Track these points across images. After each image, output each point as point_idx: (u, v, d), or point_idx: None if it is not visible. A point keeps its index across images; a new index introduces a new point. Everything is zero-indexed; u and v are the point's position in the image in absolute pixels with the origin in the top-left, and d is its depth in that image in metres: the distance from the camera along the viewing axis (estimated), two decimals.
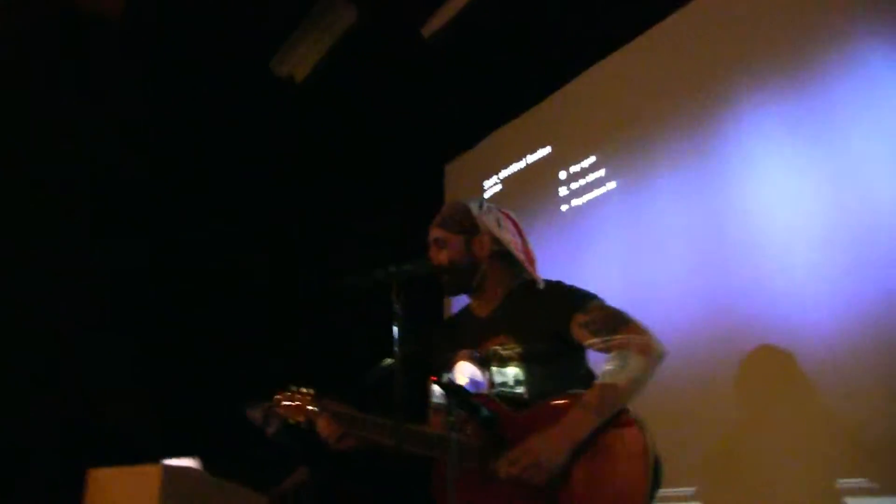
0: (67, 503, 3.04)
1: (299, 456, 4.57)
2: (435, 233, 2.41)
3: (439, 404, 2.36)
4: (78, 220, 4.94)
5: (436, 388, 2.38)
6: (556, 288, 2.33)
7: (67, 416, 4.63)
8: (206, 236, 5.44)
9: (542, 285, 2.35)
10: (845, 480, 2.83)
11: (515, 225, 2.46)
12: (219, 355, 5.24)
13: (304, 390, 2.40)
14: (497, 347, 2.24)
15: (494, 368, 2.23)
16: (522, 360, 2.20)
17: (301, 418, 2.38)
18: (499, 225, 2.40)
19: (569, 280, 2.40)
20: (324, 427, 2.32)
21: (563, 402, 2.07)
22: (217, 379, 5.17)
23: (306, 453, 4.56)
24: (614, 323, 2.13)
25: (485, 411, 1.97)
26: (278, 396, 2.45)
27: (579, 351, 2.24)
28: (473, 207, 2.42)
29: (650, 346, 2.08)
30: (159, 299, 5.26)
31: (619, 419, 1.98)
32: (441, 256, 2.36)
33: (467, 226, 2.38)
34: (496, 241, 2.38)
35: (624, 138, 4.16)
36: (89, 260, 4.94)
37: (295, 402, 2.40)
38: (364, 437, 2.28)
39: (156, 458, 3.11)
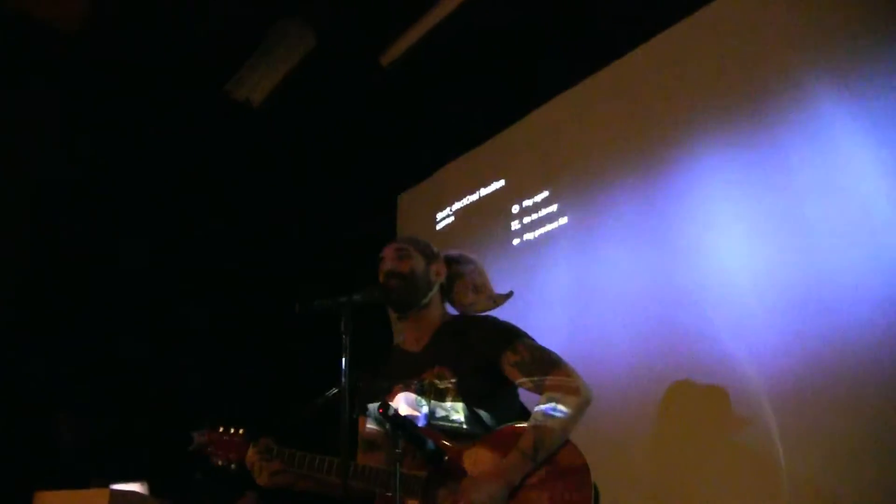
0: None
1: (248, 480, 4.49)
2: (401, 245, 2.47)
3: (373, 440, 2.38)
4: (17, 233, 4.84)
5: (369, 424, 2.40)
6: (489, 322, 2.39)
7: (14, 439, 4.50)
8: (152, 259, 5.36)
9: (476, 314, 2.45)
10: None
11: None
12: (166, 380, 5.15)
13: (233, 430, 2.38)
14: (434, 380, 2.27)
15: (432, 401, 2.26)
16: (458, 393, 2.23)
17: (231, 458, 2.34)
18: (458, 262, 2.54)
19: (518, 314, 2.45)
20: (258, 468, 2.32)
21: (499, 438, 2.12)
22: (163, 403, 5.09)
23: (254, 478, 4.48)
24: (545, 364, 2.19)
25: (431, 444, 1.98)
26: (200, 438, 2.42)
27: (512, 386, 2.27)
28: (433, 247, 2.53)
29: (579, 390, 2.14)
30: (107, 323, 5.15)
31: (563, 448, 2.05)
32: (403, 265, 2.40)
33: (429, 252, 2.48)
34: (447, 276, 2.49)
35: (577, 174, 4.22)
36: (24, 272, 4.84)
37: (223, 442, 2.36)
38: (303, 474, 2.26)
39: (103, 482, 3.05)
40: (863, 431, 2.75)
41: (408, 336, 2.48)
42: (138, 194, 5.30)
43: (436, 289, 2.44)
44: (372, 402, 2.38)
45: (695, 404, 3.33)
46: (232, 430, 2.36)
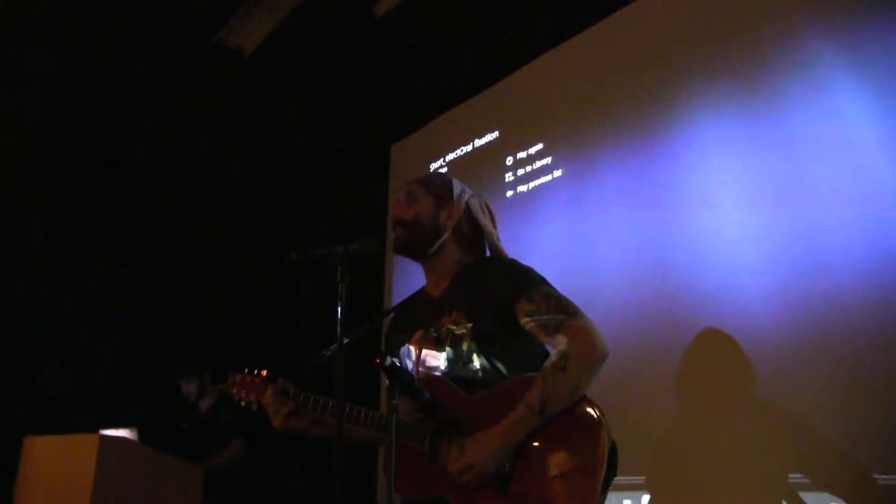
0: (2, 469, 3.01)
1: (234, 429, 4.57)
2: (412, 188, 2.38)
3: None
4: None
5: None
6: (507, 266, 2.29)
7: (2, 384, 4.55)
8: (151, 207, 5.37)
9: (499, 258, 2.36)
10: (795, 475, 2.90)
11: (492, 218, 2.46)
12: (158, 328, 5.19)
13: (257, 371, 2.41)
14: (451, 326, 2.20)
15: (449, 348, 2.20)
16: (474, 339, 2.16)
17: (252, 399, 2.38)
18: (482, 210, 2.41)
19: None
20: (273, 408, 2.31)
21: (509, 390, 2.04)
22: (154, 351, 5.13)
23: (241, 427, 4.56)
24: (560, 314, 2.08)
25: (426, 395, 1.98)
26: (231, 378, 2.43)
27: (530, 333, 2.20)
28: (456, 185, 2.40)
29: (595, 344, 2.03)
30: (105, 268, 5.17)
31: (577, 404, 1.96)
32: (408, 211, 2.33)
33: (443, 194, 2.36)
34: (467, 218, 2.37)
35: (572, 127, 4.19)
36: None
37: (247, 383, 2.39)
38: (316, 418, 2.27)
39: (92, 427, 3.09)
40: (861, 384, 2.77)
41: (428, 280, 2.40)
42: (131, 144, 5.28)
43: (447, 234, 2.33)
44: (393, 347, 2.35)
45: (699, 359, 3.33)
46: (256, 372, 2.39)
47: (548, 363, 2.02)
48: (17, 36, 4.58)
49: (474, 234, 2.40)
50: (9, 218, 4.89)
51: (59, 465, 2.78)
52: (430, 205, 2.34)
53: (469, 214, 2.39)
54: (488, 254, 2.43)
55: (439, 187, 2.37)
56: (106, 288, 5.17)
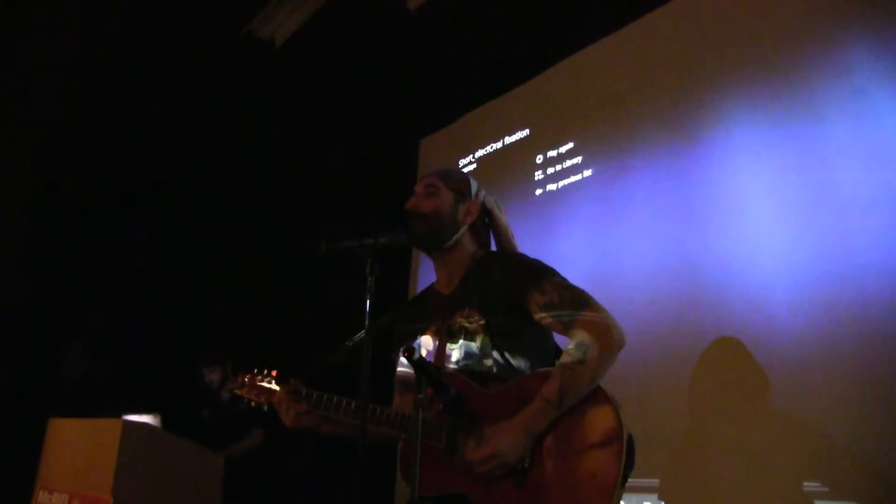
0: (27, 450, 3.04)
1: (255, 418, 4.60)
2: (431, 180, 2.36)
3: (406, 379, 2.34)
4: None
5: (403, 364, 2.36)
6: (516, 260, 2.28)
7: (28, 367, 4.59)
8: (176, 195, 5.39)
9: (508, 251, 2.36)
10: (809, 484, 2.87)
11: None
12: (185, 317, 5.21)
13: (266, 371, 2.40)
14: (462, 321, 2.20)
15: (461, 342, 2.19)
16: (487, 333, 2.15)
17: (263, 399, 2.37)
18: (498, 207, 2.41)
19: None
20: (284, 409, 2.30)
21: (526, 384, 2.04)
22: (180, 340, 5.16)
23: (262, 416, 4.58)
24: (574, 305, 2.07)
25: (452, 391, 1.96)
26: (240, 379, 2.42)
27: (542, 326, 2.17)
28: (473, 182, 2.40)
29: (611, 332, 2.02)
30: (130, 257, 5.21)
31: (593, 396, 1.95)
32: (428, 203, 2.31)
33: (463, 189, 2.35)
34: (482, 215, 2.38)
35: (603, 127, 4.16)
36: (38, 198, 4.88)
37: (257, 383, 2.39)
38: (328, 416, 2.25)
39: (115, 413, 3.10)
40: (882, 393, 2.72)
41: (439, 276, 2.39)
42: (159, 133, 5.30)
43: (464, 229, 2.32)
44: (405, 341, 2.34)
45: (720, 363, 3.30)
46: (265, 371, 2.39)
47: (566, 356, 2.00)
48: (40, 27, 4.62)
49: (486, 230, 2.41)
50: (38, 208, 4.93)
51: (82, 448, 2.80)
52: (449, 198, 2.33)
53: (484, 210, 2.39)
54: (493, 247, 2.43)
55: (459, 182, 2.37)
56: (132, 275, 5.20)
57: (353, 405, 2.20)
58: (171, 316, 5.27)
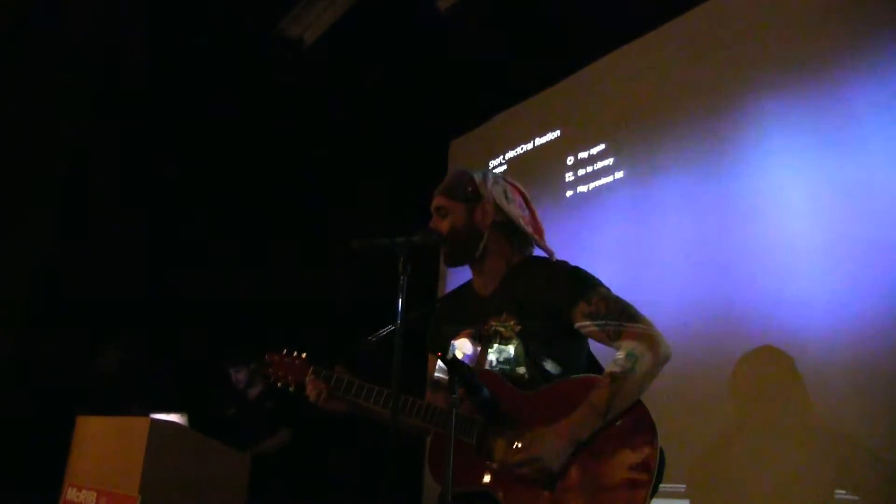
0: (55, 446, 3.05)
1: (281, 417, 4.60)
2: (438, 201, 2.32)
3: (439, 380, 2.31)
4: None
5: (439, 364, 2.33)
6: (561, 268, 2.24)
7: (57, 364, 4.62)
8: (207, 194, 5.40)
9: (550, 258, 2.30)
10: (840, 492, 2.82)
11: (523, 196, 2.37)
12: (212, 316, 5.22)
13: (296, 353, 2.37)
14: (499, 326, 2.17)
15: (496, 346, 2.17)
16: (523, 339, 2.13)
17: (290, 380, 2.35)
18: (506, 197, 2.31)
19: None
20: (312, 389, 2.28)
21: (568, 389, 2.02)
22: (207, 339, 5.16)
23: (288, 415, 4.58)
24: (622, 317, 2.04)
25: (486, 392, 1.94)
26: (269, 358, 2.40)
27: (580, 337, 2.16)
28: (477, 176, 2.32)
29: (659, 345, 1.99)
30: (155, 254, 5.22)
31: (638, 420, 1.92)
32: (443, 225, 2.27)
33: (470, 194, 2.29)
34: (500, 211, 2.28)
35: (635, 129, 4.12)
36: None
37: (285, 364, 2.37)
38: (357, 403, 2.24)
39: (143, 411, 3.10)
40: None
41: (476, 280, 2.36)
42: (199, 131, 5.32)
43: (487, 233, 2.27)
44: (441, 342, 2.32)
45: (753, 368, 3.26)
46: (295, 353, 2.36)
47: (615, 365, 1.98)
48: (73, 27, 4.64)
49: (511, 223, 2.31)
50: (69, 205, 4.96)
51: (110, 445, 2.80)
52: (460, 211, 2.28)
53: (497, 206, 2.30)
54: (537, 251, 2.37)
55: (465, 189, 2.30)
56: (160, 276, 5.22)
57: (384, 395, 2.18)
58: (199, 316, 5.28)
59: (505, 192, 2.33)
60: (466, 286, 2.42)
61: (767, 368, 3.20)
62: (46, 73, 4.69)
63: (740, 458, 3.22)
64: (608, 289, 2.15)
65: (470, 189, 2.30)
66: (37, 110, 4.69)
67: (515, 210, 2.32)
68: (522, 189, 2.39)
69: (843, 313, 2.97)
